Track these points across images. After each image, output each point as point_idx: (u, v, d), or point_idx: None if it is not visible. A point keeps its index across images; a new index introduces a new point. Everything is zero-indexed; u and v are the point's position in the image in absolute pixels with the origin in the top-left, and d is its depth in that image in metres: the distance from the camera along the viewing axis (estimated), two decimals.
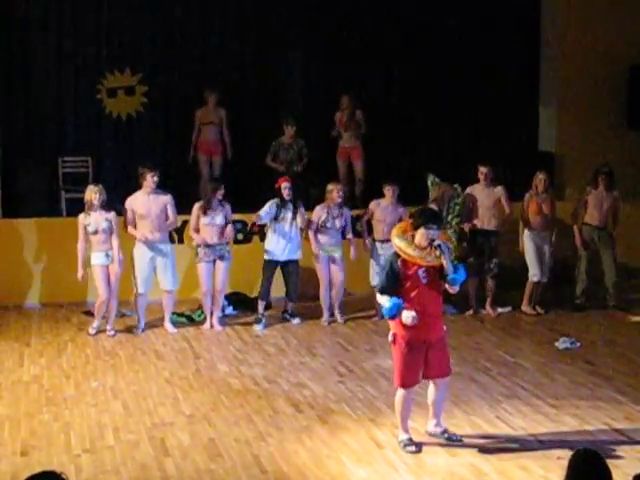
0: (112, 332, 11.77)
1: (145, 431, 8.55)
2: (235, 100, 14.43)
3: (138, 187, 11.70)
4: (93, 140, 14.58)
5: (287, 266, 12.19)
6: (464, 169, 12.79)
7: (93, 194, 11.49)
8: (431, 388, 8.17)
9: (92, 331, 11.71)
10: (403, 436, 8.03)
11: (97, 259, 11.60)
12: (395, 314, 7.66)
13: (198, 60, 14.75)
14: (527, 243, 12.62)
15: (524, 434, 8.32)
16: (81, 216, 11.57)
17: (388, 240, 12.28)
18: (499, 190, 12.54)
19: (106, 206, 11.57)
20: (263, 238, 12.57)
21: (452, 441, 8.10)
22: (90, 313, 12.13)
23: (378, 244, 12.34)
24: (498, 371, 10.08)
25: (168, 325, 12.01)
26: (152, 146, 14.66)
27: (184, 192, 12.67)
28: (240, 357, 10.96)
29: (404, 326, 7.73)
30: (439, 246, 7.62)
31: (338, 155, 14.64)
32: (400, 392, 7.99)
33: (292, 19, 15.07)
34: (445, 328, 8.11)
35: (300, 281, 12.39)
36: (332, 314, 12.46)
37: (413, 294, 7.74)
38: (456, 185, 12.76)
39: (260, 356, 11.01)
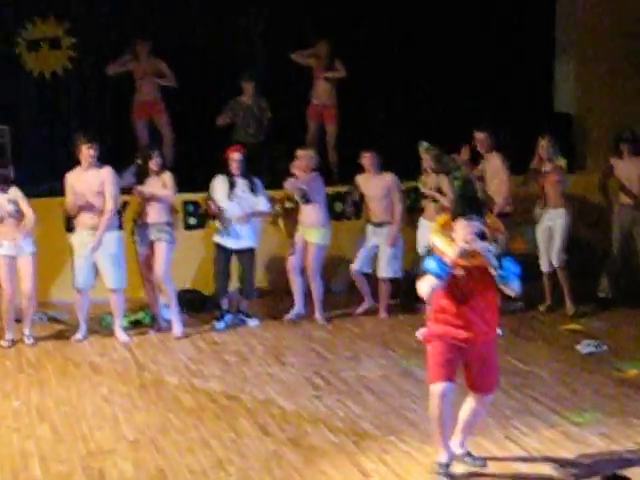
0: (31, 340, 11.77)
1: (79, 460, 8.51)
2: (179, 54, 14.37)
3: (72, 160, 11.64)
4: (11, 104, 14.49)
5: (241, 255, 12.21)
6: (466, 135, 12.80)
7: None
8: (467, 401, 8.10)
9: (5, 343, 11.69)
10: (441, 457, 7.94)
11: (2, 250, 11.56)
12: (440, 269, 7.50)
13: (134, 5, 14.70)
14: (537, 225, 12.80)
15: (540, 458, 8.32)
16: None
17: (381, 223, 12.46)
18: (494, 158, 12.67)
19: (4, 184, 11.51)
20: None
21: (477, 465, 8.09)
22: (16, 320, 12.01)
23: (370, 227, 12.55)
24: (508, 381, 10.01)
25: (119, 332, 11.97)
26: (83, 109, 14.62)
27: (122, 163, 12.58)
28: (193, 368, 10.99)
29: (439, 324, 7.74)
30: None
31: (309, 115, 14.70)
32: (431, 392, 7.79)
33: None
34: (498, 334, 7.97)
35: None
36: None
37: (454, 296, 7.70)
38: (454, 155, 12.82)
39: (218, 366, 11.04)
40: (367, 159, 12.51)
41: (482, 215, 7.66)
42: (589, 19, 15.17)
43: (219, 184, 12.08)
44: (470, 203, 7.88)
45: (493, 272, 7.46)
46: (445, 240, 7.57)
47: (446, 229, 7.64)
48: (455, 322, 7.72)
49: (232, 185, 12.01)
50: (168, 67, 14.30)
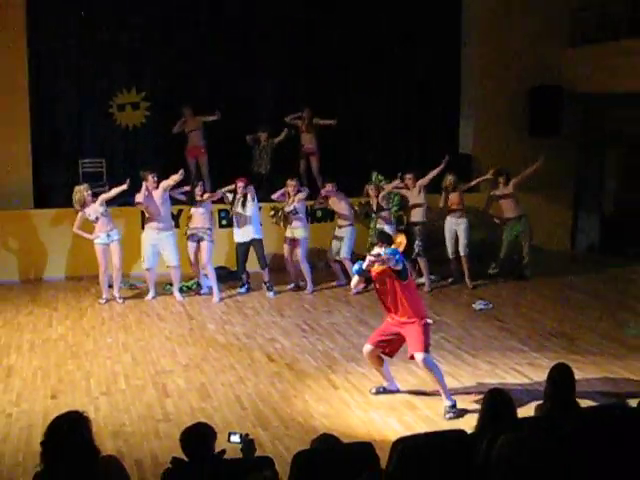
0: (120, 300, 11.71)
1: (150, 377, 8.59)
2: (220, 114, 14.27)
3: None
4: (106, 145, 14.45)
5: (252, 244, 12.06)
6: (401, 167, 12.80)
7: (85, 192, 11.38)
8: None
9: (102, 301, 11.65)
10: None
11: (99, 240, 11.51)
12: (358, 270, 7.58)
13: (192, 80, 14.52)
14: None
15: (448, 377, 8.32)
16: (80, 214, 11.45)
17: (340, 226, 12.42)
18: (418, 184, 12.45)
19: (94, 197, 11.47)
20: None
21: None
22: (110, 286, 11.91)
23: (337, 229, 12.53)
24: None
25: (177, 294, 11.91)
26: (153, 151, 14.48)
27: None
28: (225, 318, 10.98)
29: None
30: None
31: (300, 155, 14.60)
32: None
33: (267, 48, 14.90)
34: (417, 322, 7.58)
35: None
36: (297, 284, 12.49)
37: (379, 295, 7.78)
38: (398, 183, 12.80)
39: (240, 317, 11.02)
40: (329, 187, 12.46)
41: (389, 242, 7.64)
42: (484, 87, 15.09)
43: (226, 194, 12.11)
44: (380, 236, 7.87)
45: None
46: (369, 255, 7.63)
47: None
48: (386, 311, 7.78)
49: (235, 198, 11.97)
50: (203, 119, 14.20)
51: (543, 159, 12.67)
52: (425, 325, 7.62)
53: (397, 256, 7.43)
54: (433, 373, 7.59)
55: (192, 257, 11.99)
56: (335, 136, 14.47)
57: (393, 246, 7.57)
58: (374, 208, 12.45)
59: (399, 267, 7.42)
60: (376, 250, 7.57)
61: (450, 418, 7.35)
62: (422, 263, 12.39)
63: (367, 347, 7.90)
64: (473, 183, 13.12)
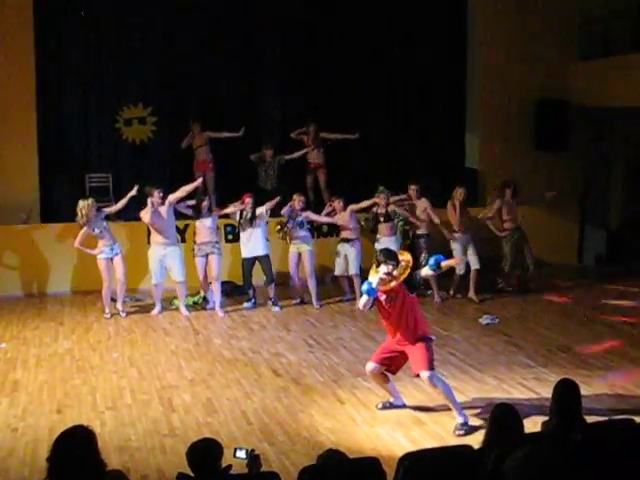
0: (124, 313, 11.72)
1: (156, 392, 8.57)
2: (223, 129, 14.30)
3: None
4: (113, 160, 14.51)
5: (259, 259, 12.06)
6: (406, 177, 12.84)
7: (93, 207, 11.37)
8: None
9: (107, 316, 11.65)
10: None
11: (103, 254, 11.52)
12: (369, 289, 7.49)
13: (196, 96, 14.59)
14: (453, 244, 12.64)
15: (455, 392, 8.30)
16: (84, 229, 11.41)
17: (347, 240, 12.41)
18: (423, 202, 12.57)
19: (99, 212, 11.48)
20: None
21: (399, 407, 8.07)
22: (112, 299, 11.92)
23: (343, 243, 12.47)
24: (434, 342, 9.99)
25: (182, 309, 11.89)
26: (160, 165, 14.56)
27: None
28: (231, 333, 10.96)
29: None
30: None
31: (307, 169, 14.61)
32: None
33: (267, 48, 14.99)
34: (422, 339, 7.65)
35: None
36: (303, 299, 12.46)
37: (383, 315, 7.70)
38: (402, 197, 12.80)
39: (246, 332, 11.00)
40: (337, 203, 12.48)
41: (395, 259, 7.57)
42: (488, 105, 15.14)
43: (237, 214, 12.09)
44: (388, 254, 7.68)
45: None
46: (374, 275, 7.57)
47: (377, 270, 7.59)
48: (389, 331, 7.76)
49: (245, 216, 11.97)
50: (211, 133, 14.23)
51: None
52: (428, 342, 7.62)
53: (440, 258, 7.55)
54: (442, 390, 7.55)
55: (201, 273, 11.97)
56: (339, 146, 14.48)
57: (402, 264, 7.56)
58: (380, 219, 12.38)
59: (433, 269, 7.47)
60: (383, 268, 7.51)
61: (459, 435, 7.28)
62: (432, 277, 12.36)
63: (371, 365, 7.88)
64: (490, 214, 13.00)
